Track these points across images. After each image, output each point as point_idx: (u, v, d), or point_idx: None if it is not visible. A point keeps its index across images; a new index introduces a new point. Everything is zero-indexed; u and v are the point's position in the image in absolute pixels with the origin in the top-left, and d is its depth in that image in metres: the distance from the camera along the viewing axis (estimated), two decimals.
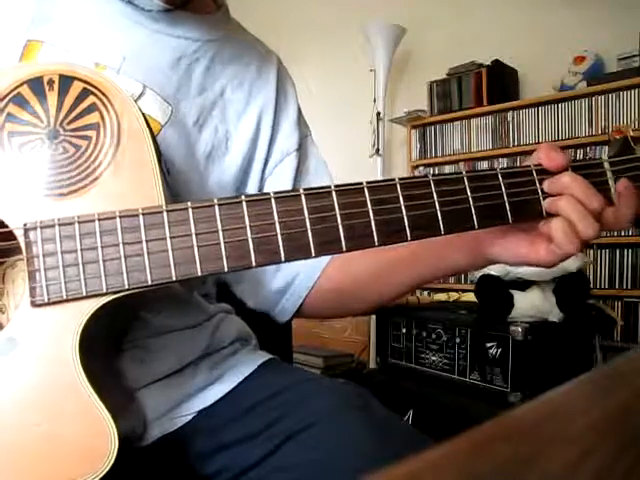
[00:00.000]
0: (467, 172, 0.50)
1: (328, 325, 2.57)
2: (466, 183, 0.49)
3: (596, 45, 2.24)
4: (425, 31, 2.78)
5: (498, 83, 2.44)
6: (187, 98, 0.63)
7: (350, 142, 2.89)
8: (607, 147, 0.56)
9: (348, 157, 2.64)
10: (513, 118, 2.39)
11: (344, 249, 0.46)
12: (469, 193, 0.49)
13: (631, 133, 0.54)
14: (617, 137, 0.55)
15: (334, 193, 0.46)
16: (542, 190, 0.50)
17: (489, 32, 2.58)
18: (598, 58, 2.24)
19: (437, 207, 0.48)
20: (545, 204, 0.50)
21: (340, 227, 0.46)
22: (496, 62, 2.44)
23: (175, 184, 0.59)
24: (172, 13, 0.62)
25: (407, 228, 0.47)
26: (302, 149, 0.72)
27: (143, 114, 0.48)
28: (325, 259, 0.68)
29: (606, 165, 0.52)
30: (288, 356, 0.93)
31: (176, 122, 0.61)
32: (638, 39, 2.09)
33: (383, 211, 0.47)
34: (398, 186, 0.47)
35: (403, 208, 0.47)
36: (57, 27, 0.58)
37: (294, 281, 0.69)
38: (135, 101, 0.48)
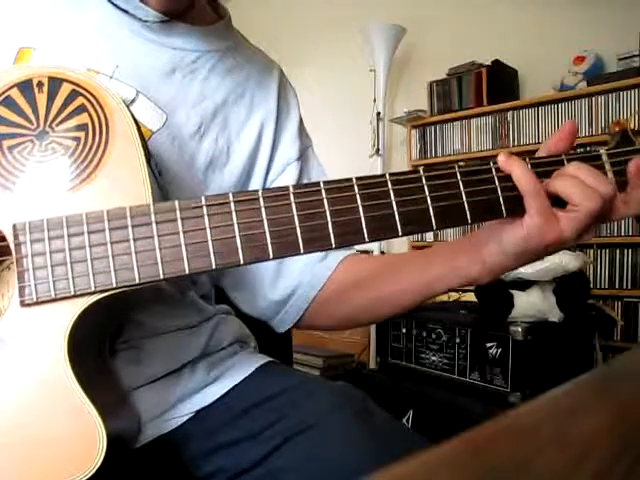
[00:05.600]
0: (459, 167, 0.49)
1: None
2: (458, 178, 0.48)
3: (596, 45, 2.24)
4: (425, 31, 2.78)
5: (498, 83, 2.44)
6: (184, 106, 0.62)
7: (350, 142, 2.89)
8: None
9: (348, 157, 2.64)
10: (513, 118, 2.39)
11: (333, 245, 0.45)
12: (462, 188, 0.48)
13: (631, 126, 0.54)
14: (616, 130, 0.54)
15: (323, 190, 0.46)
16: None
17: (489, 32, 2.58)
18: (598, 58, 2.24)
19: (429, 202, 0.47)
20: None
21: (329, 223, 0.45)
22: (496, 62, 2.44)
23: (169, 191, 0.59)
24: (169, 24, 0.61)
25: (398, 223, 0.47)
26: (303, 160, 0.71)
27: (132, 114, 0.48)
28: (327, 270, 0.66)
29: (604, 157, 0.52)
30: (288, 356, 0.93)
31: (171, 130, 0.61)
32: (638, 39, 2.09)
33: (373, 207, 0.46)
34: (389, 182, 0.47)
35: (394, 203, 0.47)
36: (50, 34, 0.58)
37: (295, 293, 0.67)
38: (127, 105, 0.48)
